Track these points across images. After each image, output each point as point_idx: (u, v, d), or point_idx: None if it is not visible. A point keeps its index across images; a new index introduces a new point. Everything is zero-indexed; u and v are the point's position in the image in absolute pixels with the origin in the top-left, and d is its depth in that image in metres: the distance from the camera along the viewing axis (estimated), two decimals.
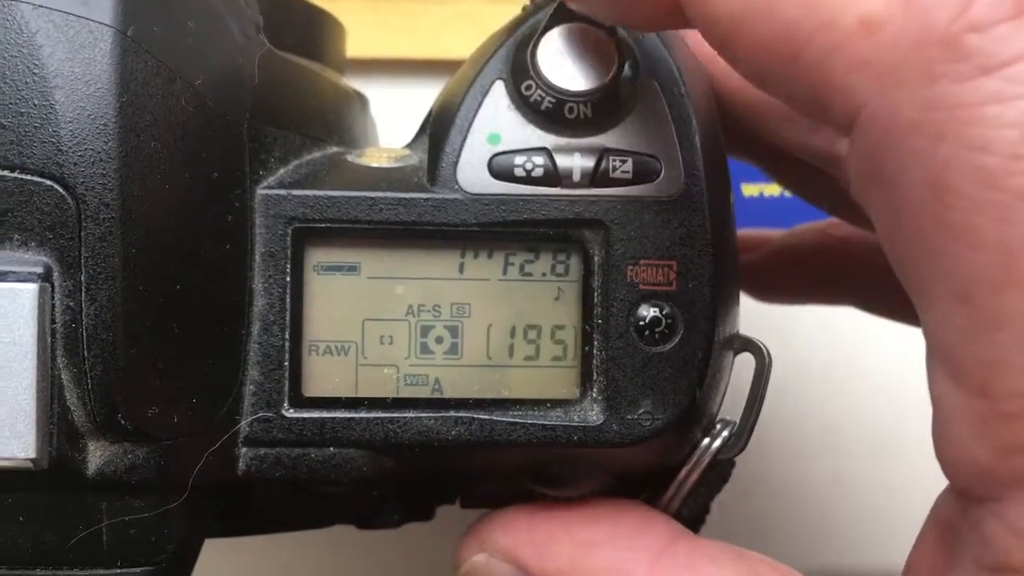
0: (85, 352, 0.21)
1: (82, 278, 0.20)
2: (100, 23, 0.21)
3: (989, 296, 0.17)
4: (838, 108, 0.18)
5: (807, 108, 0.19)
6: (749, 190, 0.39)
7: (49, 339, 0.20)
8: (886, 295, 0.20)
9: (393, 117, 0.30)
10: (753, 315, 0.36)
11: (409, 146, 0.26)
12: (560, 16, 0.24)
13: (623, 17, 0.22)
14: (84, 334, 0.20)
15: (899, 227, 0.18)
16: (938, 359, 0.19)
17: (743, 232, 0.36)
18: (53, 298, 0.20)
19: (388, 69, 0.38)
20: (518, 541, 0.24)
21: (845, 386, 0.39)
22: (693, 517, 0.26)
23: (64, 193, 0.20)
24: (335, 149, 0.26)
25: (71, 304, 0.20)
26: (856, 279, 0.33)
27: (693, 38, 0.25)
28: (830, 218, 0.33)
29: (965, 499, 0.19)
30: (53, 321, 0.20)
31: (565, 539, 0.24)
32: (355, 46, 0.35)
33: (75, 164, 0.20)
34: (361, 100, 0.29)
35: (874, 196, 0.19)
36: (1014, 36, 0.17)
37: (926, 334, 0.19)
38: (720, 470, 0.26)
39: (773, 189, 0.38)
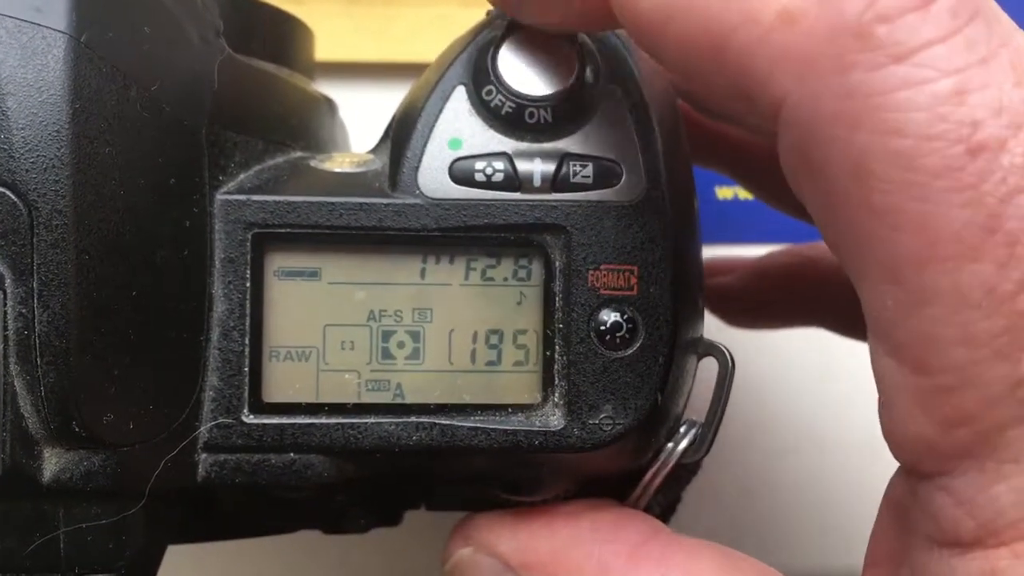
0: (38, 359, 0.20)
1: (34, 285, 0.20)
2: (53, 29, 0.21)
3: (915, 274, 0.18)
4: (762, 99, 0.19)
5: (734, 102, 0.20)
6: (723, 192, 0.38)
7: (1, 346, 0.20)
8: (857, 316, 0.20)
9: (366, 121, 0.30)
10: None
11: (373, 151, 0.26)
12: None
13: (554, 19, 0.22)
14: (37, 341, 0.20)
15: (830, 214, 0.19)
16: (878, 338, 0.19)
17: (714, 258, 0.36)
18: (5, 305, 0.20)
19: (361, 73, 0.38)
20: (501, 536, 0.24)
21: (822, 388, 0.39)
22: (664, 510, 0.26)
23: (16, 200, 0.20)
24: (299, 154, 0.25)
25: (23, 311, 0.20)
26: (827, 300, 0.33)
27: None
28: (805, 243, 0.34)
29: (914, 477, 0.19)
30: (5, 328, 0.20)
31: (545, 534, 0.24)
32: (328, 50, 0.34)
33: (27, 171, 0.20)
34: (329, 105, 0.29)
35: (805, 186, 0.19)
36: (921, 25, 0.17)
37: (866, 314, 0.19)
38: (689, 464, 0.26)
39: (748, 192, 0.38)
